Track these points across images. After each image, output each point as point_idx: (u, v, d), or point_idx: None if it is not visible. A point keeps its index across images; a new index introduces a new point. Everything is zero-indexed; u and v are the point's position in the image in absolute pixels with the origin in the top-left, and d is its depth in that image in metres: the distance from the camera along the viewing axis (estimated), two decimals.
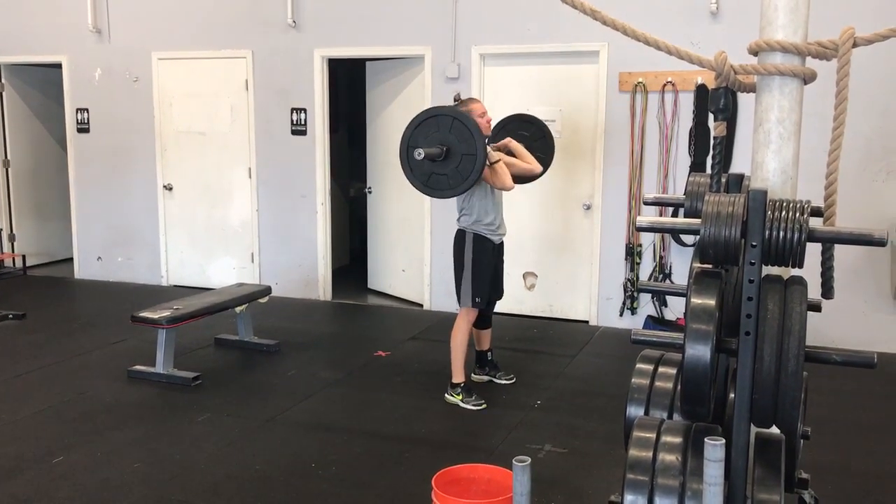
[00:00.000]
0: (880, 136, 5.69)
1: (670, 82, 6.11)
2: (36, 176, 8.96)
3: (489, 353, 5.17)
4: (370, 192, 7.67)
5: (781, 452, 1.88)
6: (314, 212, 7.40)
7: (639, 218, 1.97)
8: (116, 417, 4.55)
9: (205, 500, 3.59)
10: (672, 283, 6.18)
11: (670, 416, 2.05)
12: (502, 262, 4.98)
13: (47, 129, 8.99)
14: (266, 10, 7.27)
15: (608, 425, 4.39)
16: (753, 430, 1.88)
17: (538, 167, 5.00)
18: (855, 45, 1.98)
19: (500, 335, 5.66)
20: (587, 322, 6.63)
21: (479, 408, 4.69)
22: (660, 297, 6.31)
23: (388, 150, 6.90)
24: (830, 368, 1.95)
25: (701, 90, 6.02)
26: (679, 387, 1.92)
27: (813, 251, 1.92)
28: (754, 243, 1.77)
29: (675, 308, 6.24)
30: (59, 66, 8.16)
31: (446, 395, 4.81)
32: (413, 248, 7.20)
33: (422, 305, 7.16)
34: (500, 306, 5.50)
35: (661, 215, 5.94)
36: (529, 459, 2.01)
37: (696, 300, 1.80)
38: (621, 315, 6.48)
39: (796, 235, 1.75)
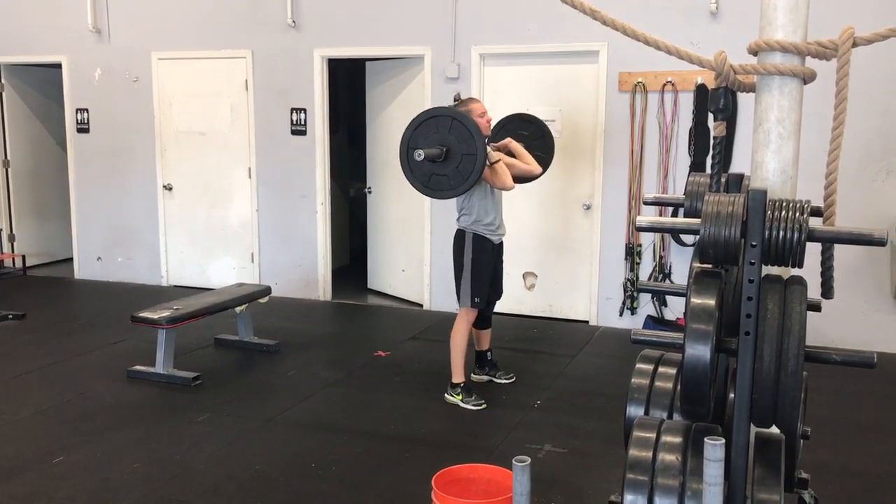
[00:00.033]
0: (880, 135, 5.69)
1: (670, 82, 6.11)
2: (36, 176, 8.96)
3: (489, 353, 5.17)
4: (370, 192, 7.68)
5: (781, 452, 1.88)
6: (314, 212, 7.40)
7: (638, 218, 1.97)
8: (116, 418, 4.55)
9: (205, 500, 3.59)
10: (672, 282, 6.18)
11: (670, 416, 2.05)
12: (502, 262, 4.98)
13: (47, 129, 8.99)
14: (266, 10, 7.27)
15: (608, 425, 4.39)
16: (753, 429, 1.88)
17: (537, 168, 5.00)
18: (854, 44, 1.98)
19: (499, 335, 5.66)
20: (587, 322, 6.63)
21: (478, 408, 4.69)
22: (660, 297, 6.31)
23: (388, 151, 6.91)
24: (830, 368, 1.95)
25: (701, 90, 6.02)
26: (679, 387, 1.92)
27: (813, 251, 1.92)
28: (754, 243, 1.77)
29: (674, 308, 6.24)
30: (58, 66, 8.15)
31: (446, 395, 4.81)
32: (413, 248, 7.20)
33: (421, 305, 7.16)
34: (500, 306, 5.50)
35: (660, 215, 5.94)
36: (529, 459, 2.01)
37: (695, 300, 1.80)
38: (621, 315, 6.48)
39: (796, 235, 1.75)
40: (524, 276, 6.81)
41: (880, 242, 1.74)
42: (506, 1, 6.53)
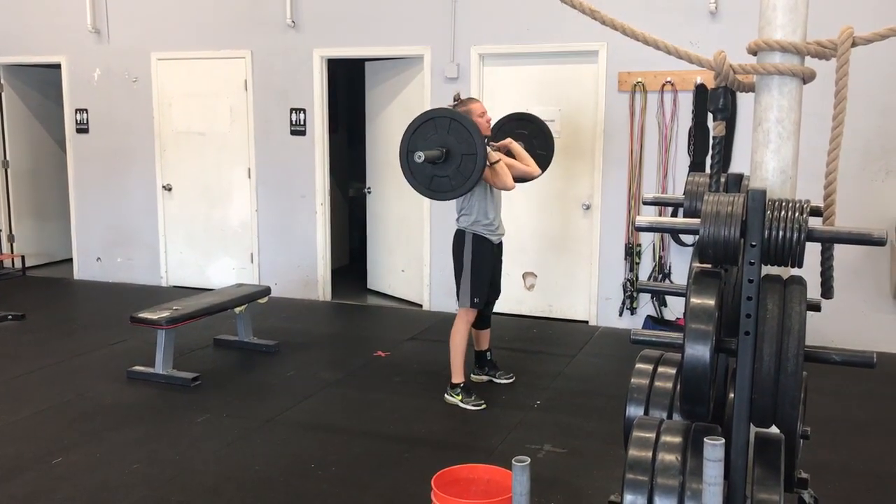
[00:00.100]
0: (879, 135, 5.69)
1: (669, 82, 6.11)
2: (35, 176, 8.95)
3: (488, 353, 5.17)
4: (369, 192, 7.67)
5: (781, 452, 1.88)
6: (313, 212, 7.40)
7: (638, 218, 1.97)
8: (116, 418, 4.55)
9: (204, 500, 3.58)
10: (671, 283, 6.18)
11: (670, 416, 2.05)
12: (501, 262, 4.98)
13: (46, 129, 8.99)
14: (265, 11, 7.27)
15: (608, 425, 4.39)
16: (753, 429, 1.88)
17: (537, 170, 4.99)
18: (854, 44, 1.98)
19: (499, 335, 5.66)
20: (587, 322, 6.63)
21: (478, 408, 4.69)
22: (659, 297, 6.31)
23: (388, 151, 6.91)
24: (830, 368, 1.95)
25: (700, 90, 6.02)
26: (679, 387, 1.92)
27: (812, 251, 1.92)
28: (754, 243, 1.77)
29: (674, 308, 6.24)
30: (58, 66, 8.15)
31: (446, 395, 4.81)
32: (412, 249, 7.20)
33: (421, 305, 7.16)
34: (500, 306, 5.50)
35: (660, 215, 5.94)
36: (529, 459, 2.01)
37: (695, 300, 1.80)
38: (621, 315, 6.48)
39: (796, 235, 1.75)
40: (524, 276, 6.81)
41: (880, 242, 1.74)
42: (505, 1, 6.53)
